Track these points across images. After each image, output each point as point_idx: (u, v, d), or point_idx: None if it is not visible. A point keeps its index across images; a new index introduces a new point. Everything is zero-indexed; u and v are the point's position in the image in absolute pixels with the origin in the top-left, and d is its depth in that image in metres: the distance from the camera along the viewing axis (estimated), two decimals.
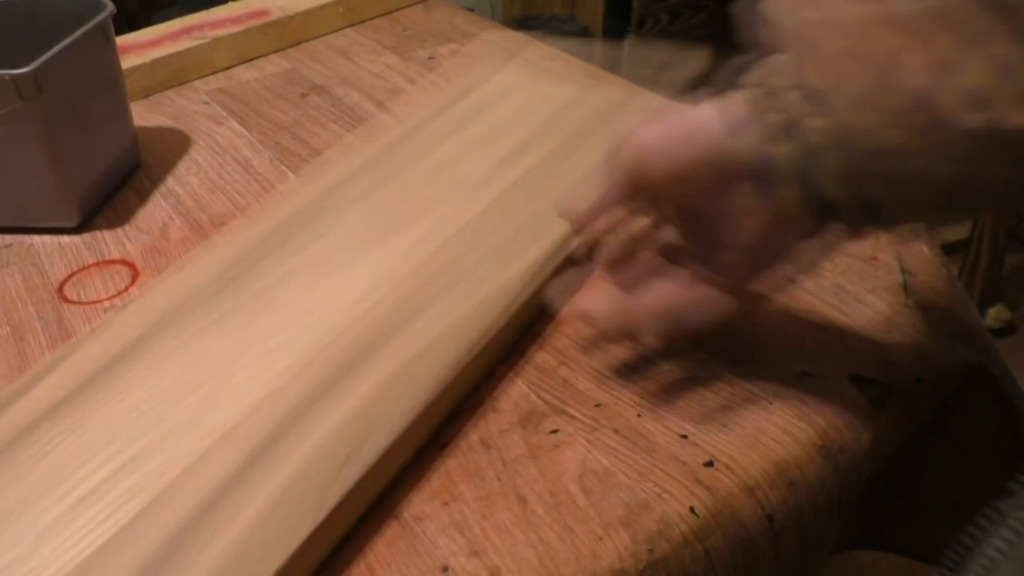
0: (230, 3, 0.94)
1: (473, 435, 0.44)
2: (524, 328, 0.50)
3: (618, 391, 0.46)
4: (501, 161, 0.59)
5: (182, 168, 0.69)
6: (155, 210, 0.64)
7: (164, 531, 0.36)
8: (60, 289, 0.56)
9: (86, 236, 0.62)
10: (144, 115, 0.77)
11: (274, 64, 0.87)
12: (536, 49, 0.89)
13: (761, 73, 0.37)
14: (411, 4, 1.01)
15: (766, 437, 0.43)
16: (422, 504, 0.41)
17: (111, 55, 0.66)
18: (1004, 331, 1.62)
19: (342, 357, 0.44)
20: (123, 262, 0.59)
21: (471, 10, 1.03)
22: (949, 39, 0.32)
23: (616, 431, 0.44)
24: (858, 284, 0.54)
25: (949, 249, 1.67)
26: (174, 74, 0.83)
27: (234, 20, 0.89)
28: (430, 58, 0.87)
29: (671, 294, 0.42)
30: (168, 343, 0.46)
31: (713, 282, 0.42)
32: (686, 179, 0.39)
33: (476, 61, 0.86)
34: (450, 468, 0.42)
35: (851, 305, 0.52)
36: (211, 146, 0.72)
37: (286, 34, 0.91)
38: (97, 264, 0.58)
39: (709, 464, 0.42)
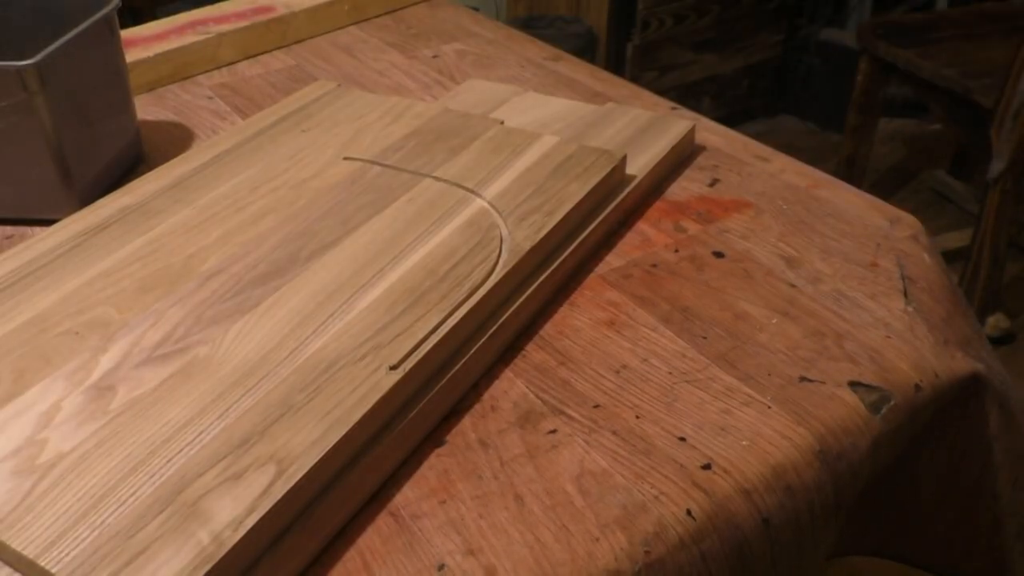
0: None
1: (471, 434, 0.44)
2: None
3: (617, 393, 0.46)
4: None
5: None
6: None
7: None
8: None
9: None
10: (147, 109, 0.77)
11: (278, 60, 0.87)
12: (540, 50, 0.89)
13: None
14: (416, 2, 1.01)
15: (764, 441, 0.43)
16: (419, 502, 0.41)
17: (115, 49, 0.66)
18: (1003, 339, 1.62)
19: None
20: None
21: (476, 9, 1.03)
22: None
23: (614, 432, 0.44)
24: (858, 290, 0.54)
25: (950, 257, 1.68)
26: (178, 69, 0.83)
27: (239, 16, 0.89)
28: (434, 57, 0.87)
29: None
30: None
31: None
32: None
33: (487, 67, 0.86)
34: (448, 467, 0.42)
35: (851, 311, 0.52)
36: None
37: (290, 31, 0.91)
38: None
39: (706, 467, 0.42)
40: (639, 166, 0.62)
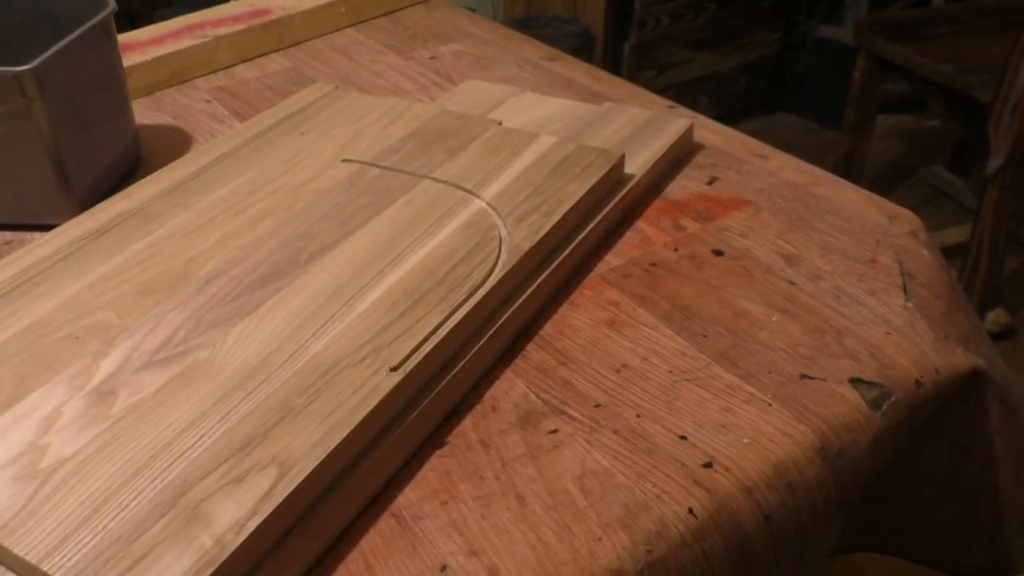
0: (232, 2, 0.94)
1: (473, 435, 0.44)
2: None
3: (617, 392, 0.46)
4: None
5: None
6: None
7: None
8: None
9: None
10: (145, 113, 0.77)
11: (275, 63, 0.87)
12: (537, 50, 0.89)
13: None
14: (412, 4, 1.01)
15: (765, 439, 0.43)
16: (421, 503, 0.41)
17: (113, 53, 0.66)
18: (1003, 335, 1.62)
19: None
20: None
21: (473, 10, 1.03)
22: None
23: (615, 432, 0.44)
24: (858, 286, 0.54)
25: (949, 252, 1.68)
26: (175, 72, 0.83)
27: (236, 19, 0.89)
28: (432, 58, 0.87)
29: None
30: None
31: None
32: None
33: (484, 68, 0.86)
34: (449, 467, 0.42)
35: (851, 307, 0.52)
36: None
37: (287, 33, 0.91)
38: None
39: (708, 465, 0.42)
40: (637, 165, 0.62)
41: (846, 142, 1.81)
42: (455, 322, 0.46)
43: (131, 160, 0.69)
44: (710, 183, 0.65)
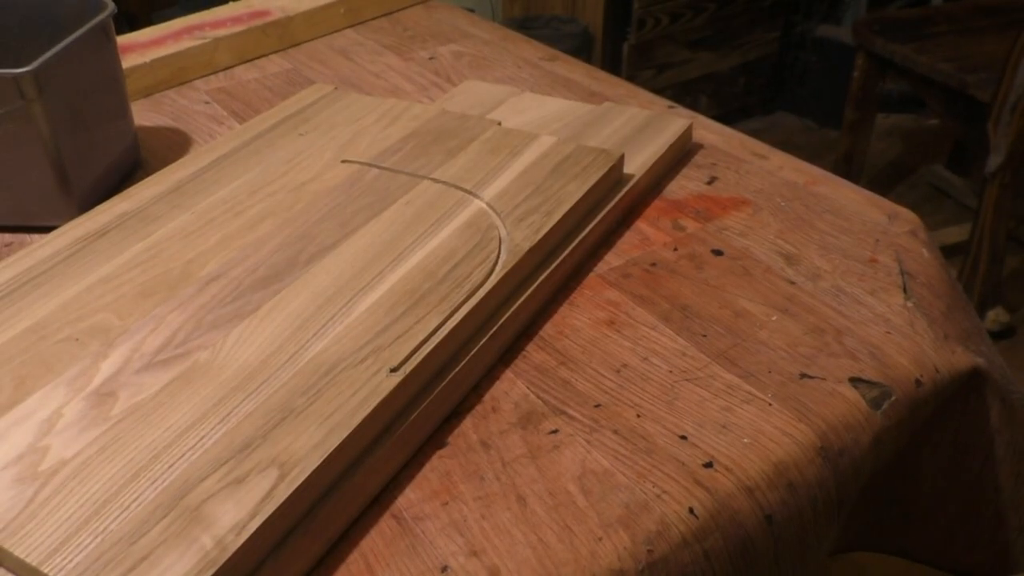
0: (231, 3, 0.94)
1: (473, 435, 0.44)
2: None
3: (617, 392, 0.46)
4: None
5: None
6: None
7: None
8: None
9: None
10: (144, 114, 0.77)
11: (275, 64, 0.87)
12: (536, 50, 0.89)
13: None
14: (412, 5, 1.01)
15: (765, 438, 0.43)
16: (422, 504, 0.41)
17: (112, 54, 0.66)
18: (1003, 333, 1.62)
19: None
20: None
21: (471, 11, 1.03)
22: None
23: (615, 432, 0.44)
24: (857, 286, 0.54)
25: (949, 251, 1.68)
26: (175, 74, 0.83)
27: (235, 20, 0.89)
28: (431, 58, 0.87)
29: None
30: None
31: None
32: None
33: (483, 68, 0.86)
34: (450, 468, 0.42)
35: (850, 307, 0.52)
36: None
37: (287, 34, 0.91)
38: None
39: (708, 465, 0.42)
40: (637, 165, 0.62)
41: (845, 141, 1.81)
42: (455, 322, 0.46)
43: (130, 161, 0.69)
44: (710, 183, 0.65)
